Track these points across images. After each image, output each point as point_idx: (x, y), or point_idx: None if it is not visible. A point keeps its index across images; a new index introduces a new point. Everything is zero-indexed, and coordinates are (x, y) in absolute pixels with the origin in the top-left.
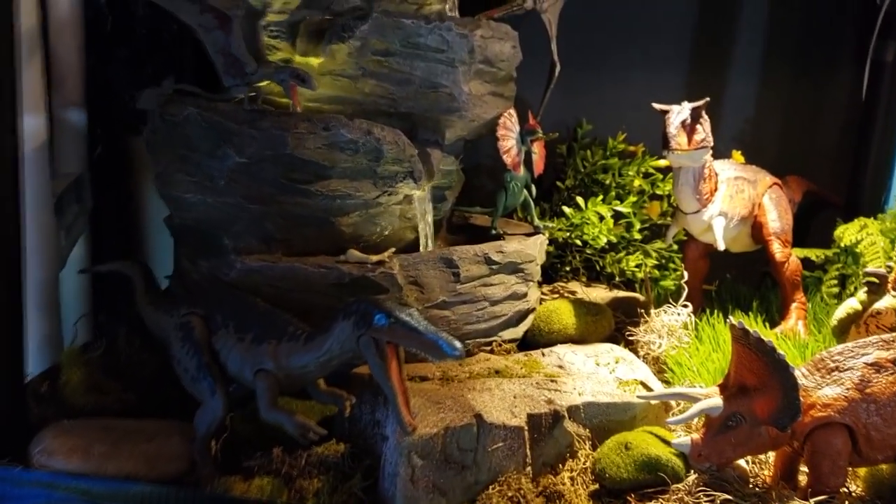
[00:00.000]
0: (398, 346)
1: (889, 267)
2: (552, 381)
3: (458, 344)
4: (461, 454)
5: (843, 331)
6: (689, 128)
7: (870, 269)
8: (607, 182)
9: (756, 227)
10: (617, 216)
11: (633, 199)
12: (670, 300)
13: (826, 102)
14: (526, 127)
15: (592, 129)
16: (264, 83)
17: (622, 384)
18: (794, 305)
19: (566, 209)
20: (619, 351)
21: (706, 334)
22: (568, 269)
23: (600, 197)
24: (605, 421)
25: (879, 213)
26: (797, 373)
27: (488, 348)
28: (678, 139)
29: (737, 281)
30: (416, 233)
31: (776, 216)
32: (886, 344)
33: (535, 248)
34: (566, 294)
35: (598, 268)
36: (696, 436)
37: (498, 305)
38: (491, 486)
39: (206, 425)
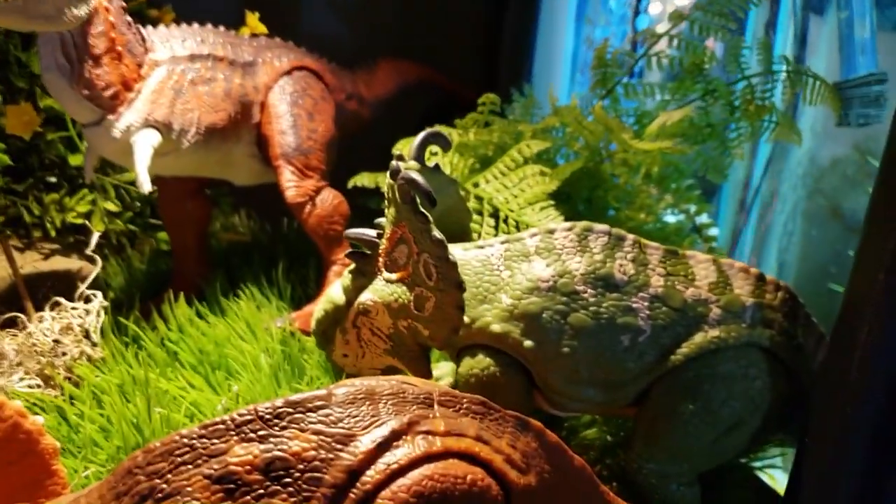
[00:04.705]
0: None
1: (379, 227)
2: None
3: None
4: None
5: (328, 340)
6: None
7: (353, 230)
8: None
9: (263, 144)
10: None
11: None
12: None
13: None
14: None
15: None
16: None
17: None
18: (333, 270)
19: None
20: None
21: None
22: None
23: None
24: None
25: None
26: None
27: None
28: None
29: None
30: None
31: (290, 125)
32: (255, 429)
33: None
34: None
35: (28, 217)
36: None
37: None
38: None
39: None
